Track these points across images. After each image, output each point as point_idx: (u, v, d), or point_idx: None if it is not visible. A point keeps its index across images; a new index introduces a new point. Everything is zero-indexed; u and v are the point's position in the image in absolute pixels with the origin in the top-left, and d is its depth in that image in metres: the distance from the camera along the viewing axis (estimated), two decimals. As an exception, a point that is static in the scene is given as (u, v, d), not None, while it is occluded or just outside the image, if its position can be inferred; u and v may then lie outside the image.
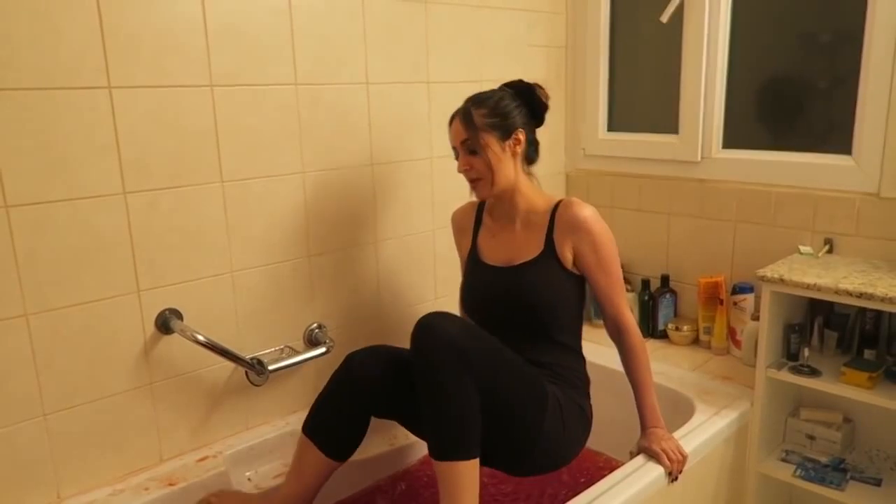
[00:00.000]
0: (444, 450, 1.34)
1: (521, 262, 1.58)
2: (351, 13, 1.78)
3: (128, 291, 1.50)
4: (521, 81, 1.62)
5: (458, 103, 2.08)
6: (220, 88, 1.57)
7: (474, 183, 1.58)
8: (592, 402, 1.59)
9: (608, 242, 1.55)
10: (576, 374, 1.59)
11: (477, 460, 1.35)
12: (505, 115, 1.55)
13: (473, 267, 1.68)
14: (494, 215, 1.68)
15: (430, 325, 1.36)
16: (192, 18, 1.50)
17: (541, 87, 1.61)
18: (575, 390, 1.56)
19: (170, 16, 1.47)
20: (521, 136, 1.56)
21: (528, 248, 1.58)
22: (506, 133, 1.54)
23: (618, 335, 1.59)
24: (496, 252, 1.64)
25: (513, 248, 1.61)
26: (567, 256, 1.55)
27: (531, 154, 1.62)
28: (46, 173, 1.35)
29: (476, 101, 1.57)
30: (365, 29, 1.82)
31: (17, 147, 1.31)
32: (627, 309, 1.59)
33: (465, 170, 1.57)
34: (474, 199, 1.67)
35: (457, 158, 1.59)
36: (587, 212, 1.55)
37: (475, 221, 1.73)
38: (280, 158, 1.70)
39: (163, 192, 1.51)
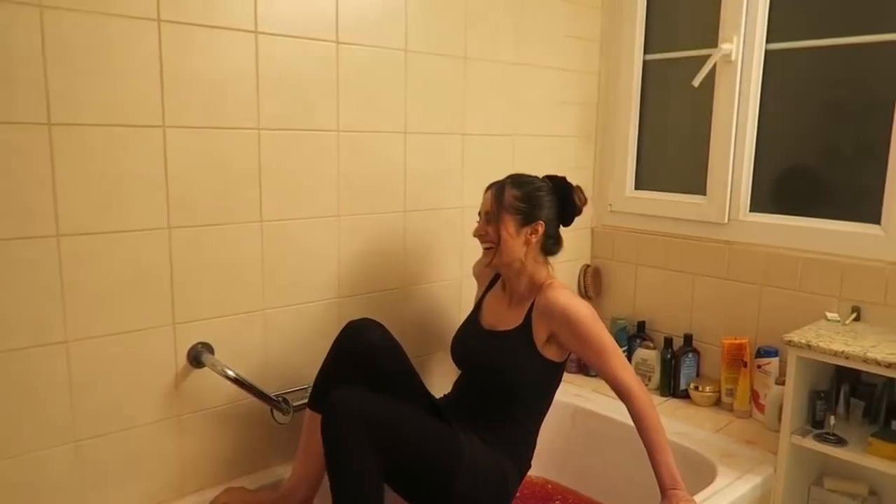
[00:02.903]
0: None
1: (500, 330, 1.67)
2: (394, 66, 1.85)
3: (164, 324, 1.53)
4: (564, 180, 1.70)
5: (491, 155, 2.17)
6: (267, 132, 1.63)
7: (485, 249, 1.68)
8: (609, 459, 1.58)
9: (584, 321, 1.58)
10: (516, 448, 1.65)
11: None
12: (533, 204, 1.63)
13: (468, 321, 1.79)
14: (505, 285, 1.76)
15: (336, 397, 1.43)
16: (246, 65, 1.57)
17: (580, 191, 1.70)
18: (509, 458, 1.61)
19: (225, 63, 1.54)
20: (540, 228, 1.64)
21: (510, 320, 1.67)
22: (527, 220, 1.63)
23: (622, 398, 1.60)
24: (490, 315, 1.75)
25: (501, 316, 1.70)
26: (541, 337, 1.62)
27: (550, 246, 1.68)
28: (98, 206, 1.40)
29: (515, 181, 1.66)
30: (406, 81, 1.89)
31: (75, 179, 1.37)
32: (625, 372, 1.59)
33: (480, 235, 1.67)
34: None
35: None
36: (560, 296, 1.60)
37: (492, 280, 1.82)
38: (318, 201, 1.75)
39: (205, 228, 1.56)
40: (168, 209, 1.50)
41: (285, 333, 1.74)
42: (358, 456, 1.39)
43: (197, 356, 1.58)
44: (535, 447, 1.70)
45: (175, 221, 1.51)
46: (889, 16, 1.85)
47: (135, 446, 1.53)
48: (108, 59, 1.38)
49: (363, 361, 1.56)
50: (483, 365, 1.68)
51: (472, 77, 2.05)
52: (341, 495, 1.40)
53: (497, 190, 1.65)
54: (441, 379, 1.98)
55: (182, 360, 1.57)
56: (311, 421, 1.60)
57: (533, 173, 1.71)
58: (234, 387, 1.60)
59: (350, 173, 1.81)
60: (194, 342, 1.58)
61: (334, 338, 1.61)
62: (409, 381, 1.63)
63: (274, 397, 1.66)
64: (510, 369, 1.62)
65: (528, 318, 1.63)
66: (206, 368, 1.59)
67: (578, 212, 1.71)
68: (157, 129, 1.46)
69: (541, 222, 1.63)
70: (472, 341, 1.74)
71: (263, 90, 1.61)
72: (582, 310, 1.59)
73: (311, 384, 1.74)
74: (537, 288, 1.65)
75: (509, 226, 1.62)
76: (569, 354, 1.69)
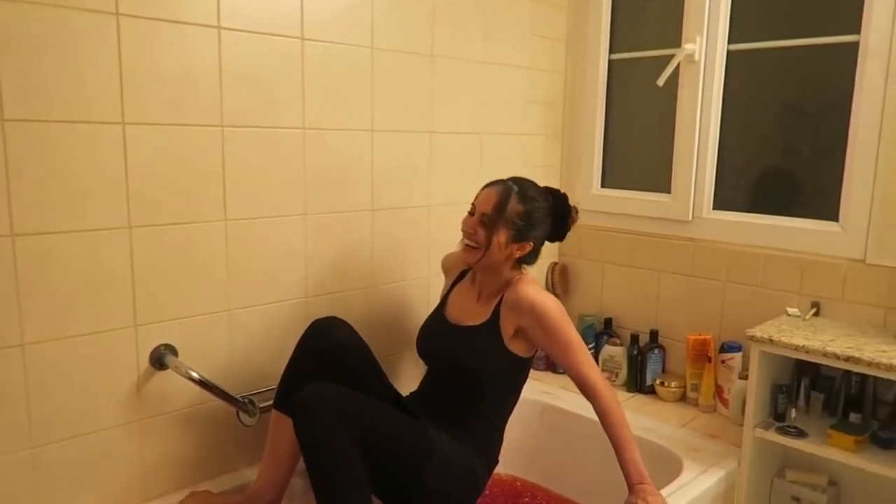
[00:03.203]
0: None
1: (466, 325, 1.67)
2: (360, 63, 1.84)
3: (125, 325, 1.50)
4: (565, 200, 1.70)
5: (459, 153, 2.16)
6: (231, 129, 1.60)
7: (468, 247, 1.65)
8: (578, 456, 1.59)
9: (552, 314, 1.59)
10: (483, 444, 1.65)
11: None
12: (531, 225, 1.62)
13: (434, 315, 1.78)
14: (474, 280, 1.75)
15: (307, 394, 1.40)
16: (209, 61, 1.54)
17: (576, 211, 1.71)
18: (476, 454, 1.61)
19: (187, 58, 1.51)
20: (529, 247, 1.64)
21: (477, 315, 1.67)
22: (519, 238, 1.61)
23: (587, 395, 1.62)
24: (456, 309, 1.73)
25: (468, 310, 1.70)
26: (508, 332, 1.62)
27: (528, 259, 1.69)
28: (55, 204, 1.36)
29: (522, 194, 1.61)
30: (373, 78, 1.87)
31: (30, 177, 1.33)
32: (590, 369, 1.61)
33: (469, 233, 1.63)
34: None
35: (470, 214, 1.65)
36: (530, 290, 1.60)
37: (459, 274, 1.82)
38: (284, 200, 1.73)
39: (168, 227, 1.53)
40: (129, 208, 1.46)
41: (251, 334, 1.72)
42: (339, 450, 1.35)
43: (160, 358, 1.55)
44: (501, 443, 1.70)
45: (136, 220, 1.48)
46: (844, 18, 1.90)
47: (95, 451, 1.49)
48: (65, 54, 1.34)
49: (329, 360, 1.54)
50: (449, 360, 1.67)
51: (439, 75, 2.05)
52: (329, 495, 1.35)
53: (502, 197, 1.59)
54: (409, 378, 1.98)
55: (144, 362, 1.54)
56: (277, 422, 1.58)
57: (533, 180, 1.69)
58: (198, 389, 1.57)
59: (316, 171, 1.79)
60: (157, 344, 1.55)
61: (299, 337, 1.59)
62: (376, 381, 1.62)
63: (240, 399, 1.63)
64: (477, 364, 1.62)
65: (496, 312, 1.64)
66: (169, 371, 1.55)
67: (567, 232, 1.73)
68: (117, 126, 1.43)
69: (531, 243, 1.64)
70: (437, 336, 1.73)
71: (227, 87, 1.58)
72: (550, 304, 1.60)
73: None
74: (507, 283, 1.66)
75: (501, 237, 1.60)
76: (535, 351, 1.69)
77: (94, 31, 1.37)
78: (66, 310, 1.41)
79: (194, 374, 1.54)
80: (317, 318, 1.63)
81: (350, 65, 1.82)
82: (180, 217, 1.55)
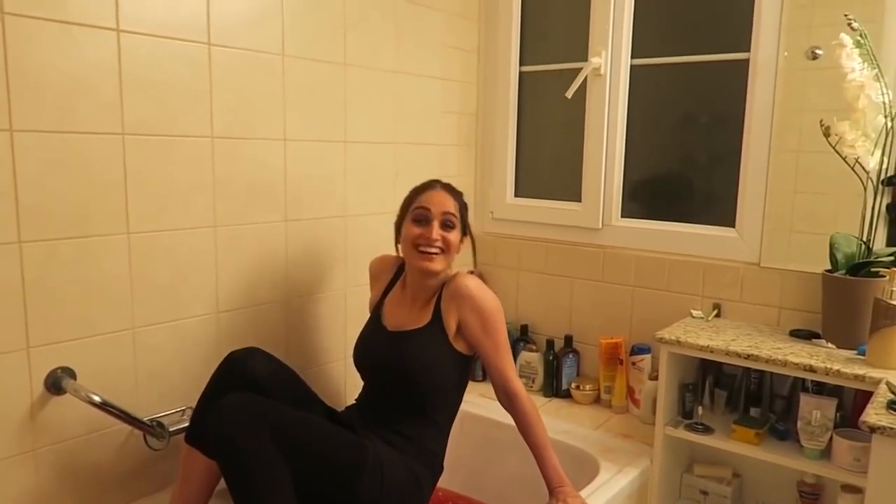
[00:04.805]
0: None
1: (409, 329, 1.64)
2: (270, 71, 1.79)
3: (16, 348, 1.38)
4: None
5: (373, 163, 2.14)
6: (133, 137, 1.52)
7: (433, 256, 1.60)
8: (497, 462, 1.59)
9: (492, 309, 1.60)
10: (426, 447, 1.62)
11: None
12: (466, 216, 1.71)
13: (371, 324, 1.74)
14: (406, 285, 1.73)
15: (225, 405, 1.35)
16: (107, 65, 1.46)
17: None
18: (418, 460, 1.59)
19: (82, 61, 1.42)
20: (466, 239, 1.71)
21: (418, 319, 1.64)
22: (464, 231, 1.70)
23: (508, 402, 1.63)
24: (394, 316, 1.70)
25: (406, 316, 1.67)
26: (451, 327, 1.61)
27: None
28: (-67, 218, 1.25)
29: (451, 186, 1.70)
30: (284, 86, 1.83)
31: None
32: (515, 375, 1.63)
33: (434, 239, 1.60)
34: (398, 254, 1.74)
35: (421, 223, 1.62)
36: (471, 282, 1.61)
37: (390, 281, 1.78)
38: (192, 211, 1.66)
39: (63, 241, 1.43)
40: (18, 221, 1.36)
41: (158, 353, 1.63)
42: (264, 459, 1.29)
43: (56, 382, 1.44)
44: (446, 447, 1.67)
45: (27, 234, 1.37)
46: (735, 37, 2.02)
47: (-18, 487, 1.37)
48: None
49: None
50: (394, 367, 1.61)
51: (352, 84, 2.02)
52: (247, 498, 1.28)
53: (456, 193, 1.67)
54: (330, 391, 1.93)
55: (39, 387, 1.43)
56: (189, 455, 1.49)
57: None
58: (101, 413, 1.47)
59: (226, 181, 1.72)
60: (53, 367, 1.44)
61: (212, 361, 1.52)
62: (304, 403, 1.55)
63: (147, 422, 1.55)
64: (423, 365, 1.58)
65: (437, 310, 1.61)
66: (67, 395, 1.45)
67: None
68: (4, 133, 1.32)
69: (467, 235, 1.70)
70: (377, 344, 1.68)
71: (128, 93, 1.50)
72: (491, 298, 1.61)
73: (188, 405, 1.65)
74: (442, 283, 1.64)
75: (457, 235, 1.64)
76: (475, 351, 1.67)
77: (-24, 30, 1.27)
78: (-54, 333, 1.29)
79: (95, 398, 1.44)
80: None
81: (260, 72, 1.77)
82: (77, 231, 1.45)
